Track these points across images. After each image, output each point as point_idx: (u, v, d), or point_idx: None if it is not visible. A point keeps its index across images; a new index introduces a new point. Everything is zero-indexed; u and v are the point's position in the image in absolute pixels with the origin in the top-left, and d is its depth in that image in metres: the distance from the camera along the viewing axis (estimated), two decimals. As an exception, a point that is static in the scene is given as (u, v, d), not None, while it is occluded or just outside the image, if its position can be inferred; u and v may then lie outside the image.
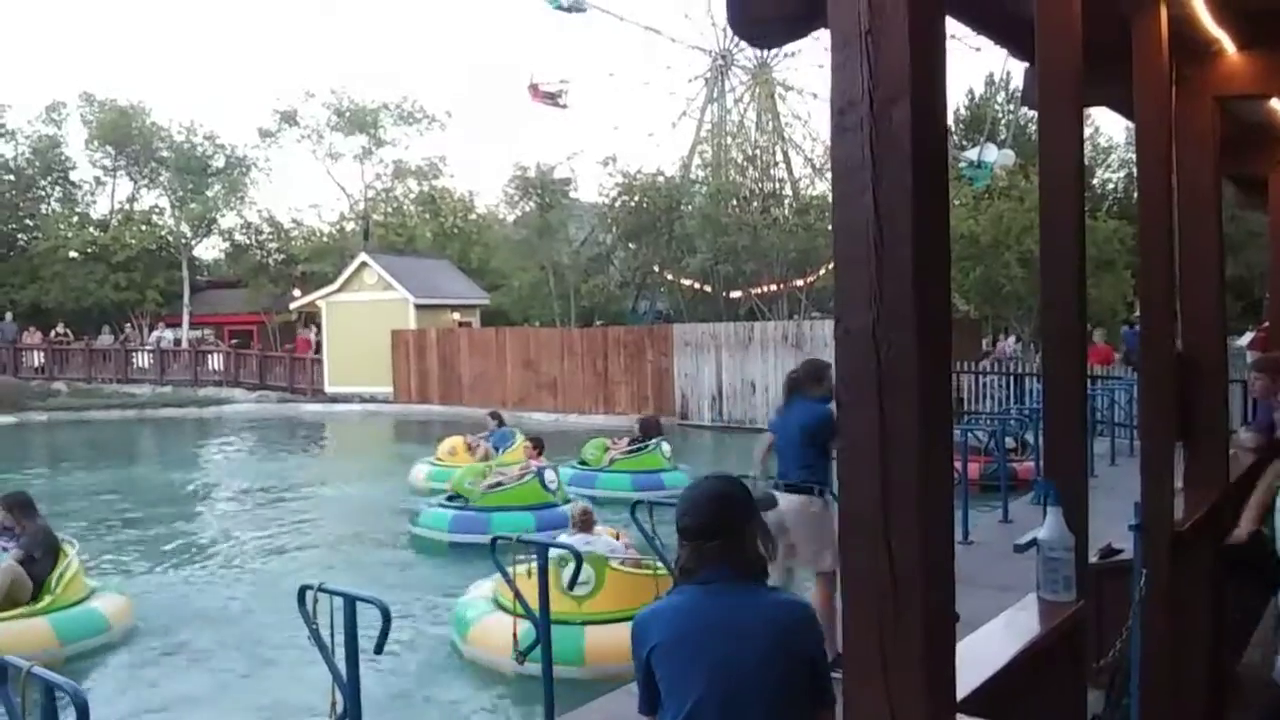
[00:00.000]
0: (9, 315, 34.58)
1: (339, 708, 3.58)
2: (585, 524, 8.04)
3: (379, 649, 3.55)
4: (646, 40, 40.20)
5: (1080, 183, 2.94)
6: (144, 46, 79.67)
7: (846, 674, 1.82)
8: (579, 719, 4.77)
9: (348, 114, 38.34)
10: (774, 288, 29.57)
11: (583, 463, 14.42)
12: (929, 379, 1.71)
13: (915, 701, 1.71)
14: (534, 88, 37.79)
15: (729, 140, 33.75)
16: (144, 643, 8.00)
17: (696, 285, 31.41)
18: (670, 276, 31.31)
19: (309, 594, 3.61)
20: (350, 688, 3.59)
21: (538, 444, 12.32)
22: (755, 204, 29.39)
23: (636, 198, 29.61)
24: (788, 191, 31.89)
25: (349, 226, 39.41)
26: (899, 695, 1.71)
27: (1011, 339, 28.25)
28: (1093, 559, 3.36)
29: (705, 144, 36.07)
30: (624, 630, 2.46)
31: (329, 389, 29.74)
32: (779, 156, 34.17)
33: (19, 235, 40.06)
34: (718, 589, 2.24)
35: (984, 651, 2.44)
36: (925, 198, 1.73)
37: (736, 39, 37.80)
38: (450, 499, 11.64)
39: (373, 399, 28.59)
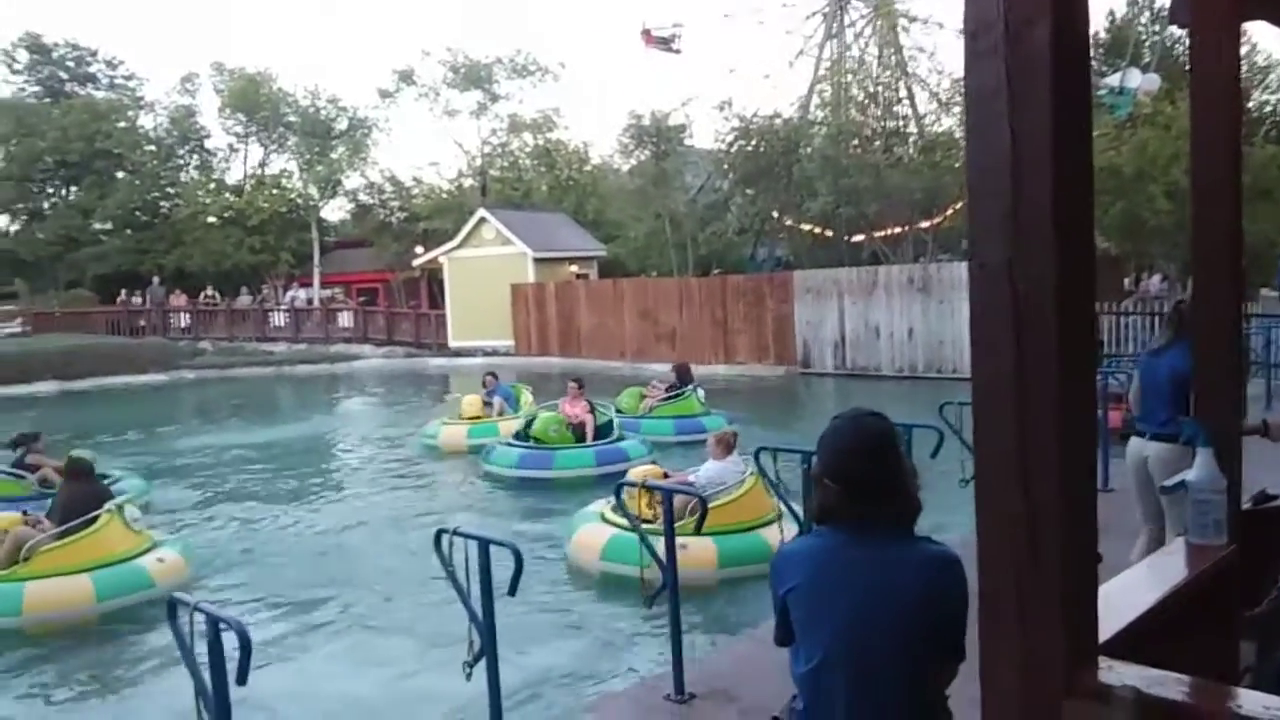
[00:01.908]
0: (156, 279, 36.63)
1: (475, 647, 3.68)
2: (730, 447, 8.49)
3: (512, 590, 3.64)
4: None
5: (1237, 104, 2.73)
6: (268, 13, 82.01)
7: (982, 614, 1.75)
8: (710, 664, 4.79)
9: (463, 70, 38.85)
10: (898, 230, 28.69)
11: (618, 410, 14.73)
12: (1070, 315, 1.62)
13: (1053, 642, 1.64)
14: (646, 33, 37.25)
15: (849, 78, 32.56)
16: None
17: (817, 230, 30.79)
18: (789, 222, 30.75)
19: (445, 537, 3.72)
20: (486, 627, 3.68)
21: (580, 383, 13.26)
22: (878, 143, 28.45)
23: (753, 141, 29.07)
24: (912, 129, 30.62)
25: (467, 183, 40.13)
26: (1036, 635, 1.65)
27: (1157, 277, 26.81)
28: (1245, 506, 3.18)
29: (824, 83, 34.91)
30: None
31: (452, 343, 30.53)
32: (902, 92, 32.88)
33: (161, 203, 42.22)
34: (865, 537, 2.18)
35: (1128, 595, 2.34)
36: (1066, 123, 1.62)
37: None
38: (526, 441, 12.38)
39: (494, 352, 29.21)
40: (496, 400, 14.81)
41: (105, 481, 10.75)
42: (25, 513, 8.05)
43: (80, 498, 7.92)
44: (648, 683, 4.80)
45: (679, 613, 4.46)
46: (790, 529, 5.59)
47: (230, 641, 3.00)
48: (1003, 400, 1.66)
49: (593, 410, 13.06)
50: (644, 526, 8.72)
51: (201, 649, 3.09)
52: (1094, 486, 1.79)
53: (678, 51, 37.72)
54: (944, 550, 2.19)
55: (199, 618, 3.07)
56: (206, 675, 3.04)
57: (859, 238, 29.77)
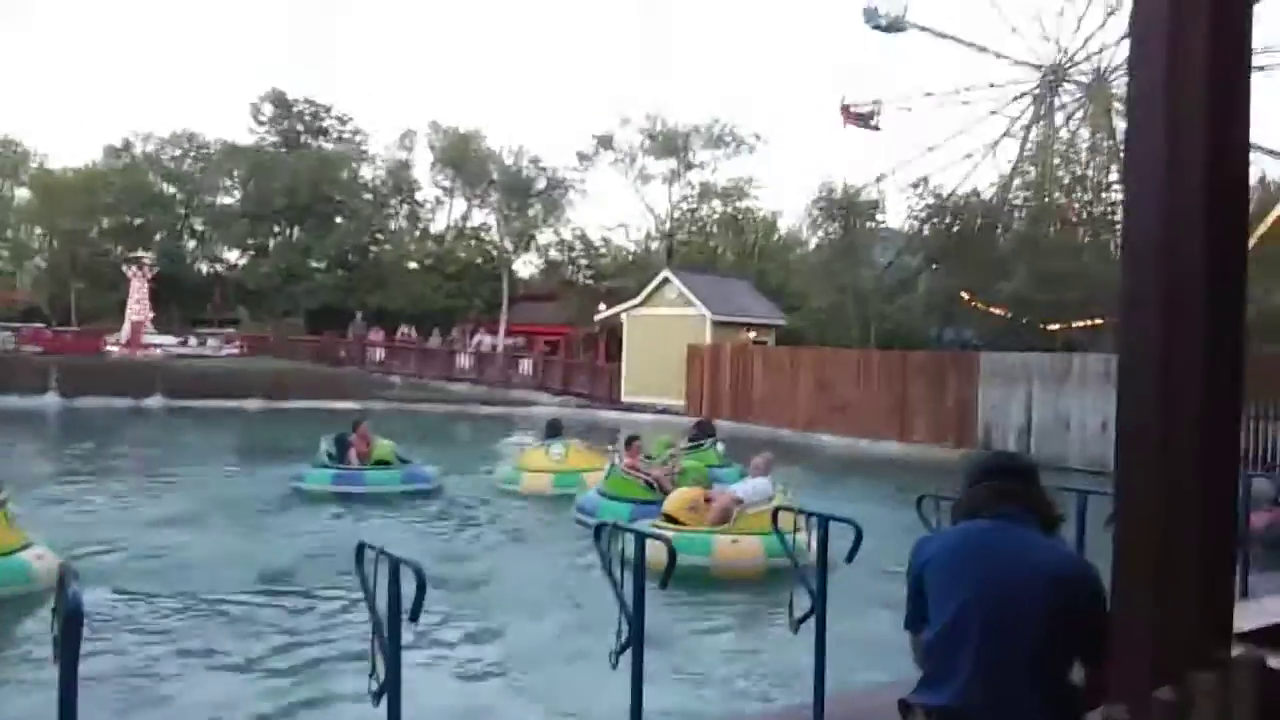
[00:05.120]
0: (359, 315, 39.28)
1: (623, 636, 3.75)
2: (767, 469, 10.16)
3: (663, 584, 3.78)
4: (965, 58, 38.59)
5: None
6: (483, 73, 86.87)
7: (1116, 588, 1.81)
8: (851, 699, 4.73)
9: (660, 138, 40.17)
10: (1099, 321, 27.24)
11: (648, 457, 14.66)
12: (1219, 297, 1.69)
13: (1187, 619, 1.69)
14: (845, 109, 37.31)
15: (1056, 160, 31.56)
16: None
17: (1008, 314, 29.75)
18: (979, 305, 29.82)
19: (604, 530, 3.91)
20: (635, 617, 3.75)
21: (633, 439, 13.61)
22: (1083, 229, 27.30)
23: (948, 219, 28.56)
24: (1121, 216, 29.25)
25: (654, 245, 41.21)
26: (1170, 610, 1.70)
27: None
28: None
29: (1027, 164, 33.97)
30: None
31: (625, 398, 31.08)
32: (1113, 176, 31.59)
33: (371, 247, 45.41)
34: (1003, 524, 2.38)
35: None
36: (1223, 123, 1.70)
37: (1069, 52, 35.55)
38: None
39: (665, 410, 29.52)
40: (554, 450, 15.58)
41: (407, 464, 13.90)
42: None
43: None
44: (790, 709, 4.77)
45: (824, 641, 4.40)
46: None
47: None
48: (1146, 380, 1.74)
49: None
50: (686, 530, 9.31)
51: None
52: (1235, 470, 1.83)
53: (876, 128, 37.62)
54: (1081, 558, 2.39)
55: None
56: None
57: (1054, 326, 28.52)
